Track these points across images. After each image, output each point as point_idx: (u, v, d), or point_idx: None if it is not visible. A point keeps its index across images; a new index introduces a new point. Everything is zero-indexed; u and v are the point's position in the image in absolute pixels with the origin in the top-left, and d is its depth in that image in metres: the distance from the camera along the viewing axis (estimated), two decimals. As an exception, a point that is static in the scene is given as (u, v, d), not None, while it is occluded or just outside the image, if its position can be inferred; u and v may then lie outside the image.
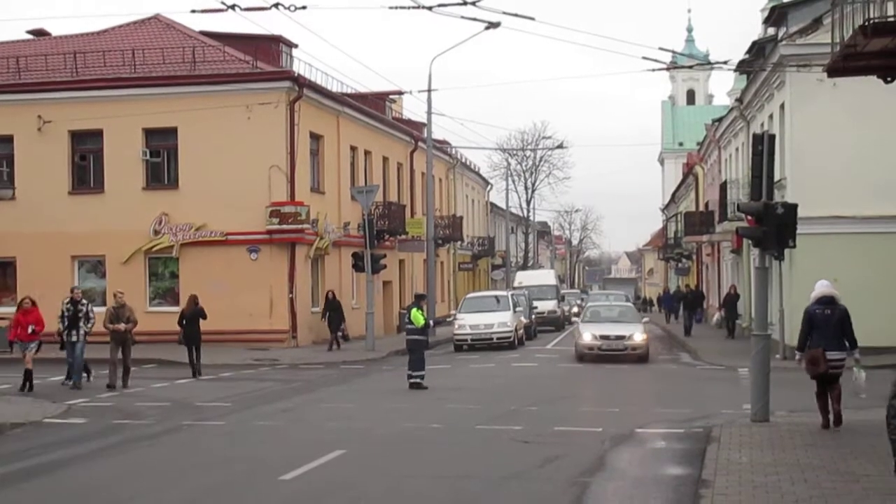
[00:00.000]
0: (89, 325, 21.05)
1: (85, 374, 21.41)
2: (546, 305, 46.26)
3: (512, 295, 36.89)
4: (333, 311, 31.85)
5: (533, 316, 40.46)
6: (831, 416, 13.63)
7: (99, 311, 23.27)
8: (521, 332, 35.08)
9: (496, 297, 36.34)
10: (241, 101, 31.58)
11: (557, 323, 47.25)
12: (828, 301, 13.78)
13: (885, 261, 25.72)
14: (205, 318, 24.24)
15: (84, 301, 21.43)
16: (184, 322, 23.97)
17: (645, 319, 32.21)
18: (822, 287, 14.04)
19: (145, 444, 14.26)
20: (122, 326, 21.27)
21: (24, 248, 32.64)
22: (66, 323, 20.84)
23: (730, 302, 37.05)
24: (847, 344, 13.68)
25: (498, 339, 32.56)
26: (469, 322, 33.03)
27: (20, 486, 11.39)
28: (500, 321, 32.93)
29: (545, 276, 54.50)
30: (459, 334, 33.09)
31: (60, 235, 32.54)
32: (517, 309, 34.93)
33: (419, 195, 45.77)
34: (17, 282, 32.59)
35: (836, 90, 24.56)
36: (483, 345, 32.34)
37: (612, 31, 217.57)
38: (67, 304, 21.10)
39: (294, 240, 32.19)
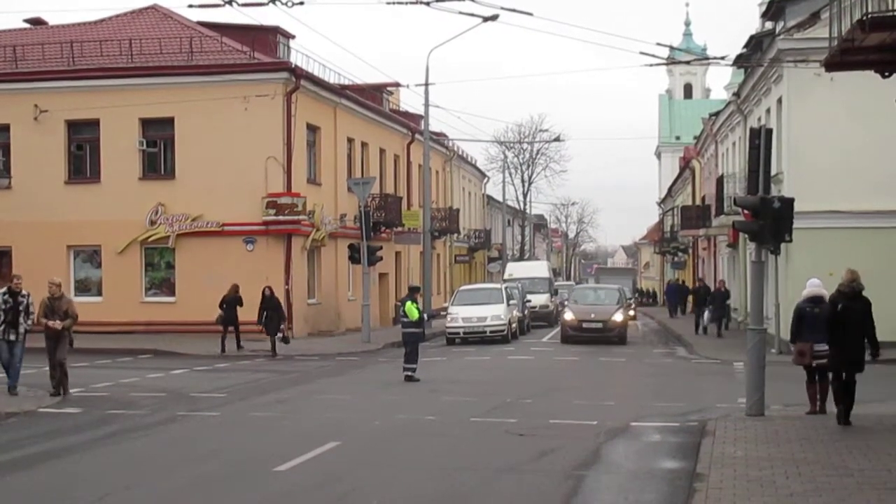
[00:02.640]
0: (30, 322, 17.70)
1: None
2: (538, 299, 43.75)
3: (506, 288, 36.15)
4: (272, 310, 27.36)
5: (526, 310, 39.40)
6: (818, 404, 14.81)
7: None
8: (515, 325, 34.70)
9: (490, 289, 35.92)
10: (239, 91, 31.53)
11: (550, 318, 44.38)
12: (818, 300, 14.68)
13: (881, 255, 25.72)
14: (241, 305, 27.94)
15: (25, 292, 17.80)
16: (224, 306, 27.92)
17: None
18: (813, 287, 14.90)
19: (140, 434, 14.24)
20: (58, 324, 17.64)
21: (20, 238, 32.58)
22: (3, 318, 17.39)
23: (719, 299, 34.46)
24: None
25: (491, 332, 32.09)
26: (462, 315, 32.54)
27: (14, 475, 11.37)
28: (494, 314, 32.44)
29: (537, 268, 51.72)
30: (452, 327, 32.65)
31: (56, 225, 32.50)
32: (511, 302, 34.30)
33: (416, 187, 45.74)
34: (13, 271, 32.53)
35: (833, 85, 24.54)
36: (476, 338, 31.91)
37: (611, 24, 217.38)
38: (5, 295, 17.62)
39: (290, 231, 32.16)
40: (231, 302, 27.91)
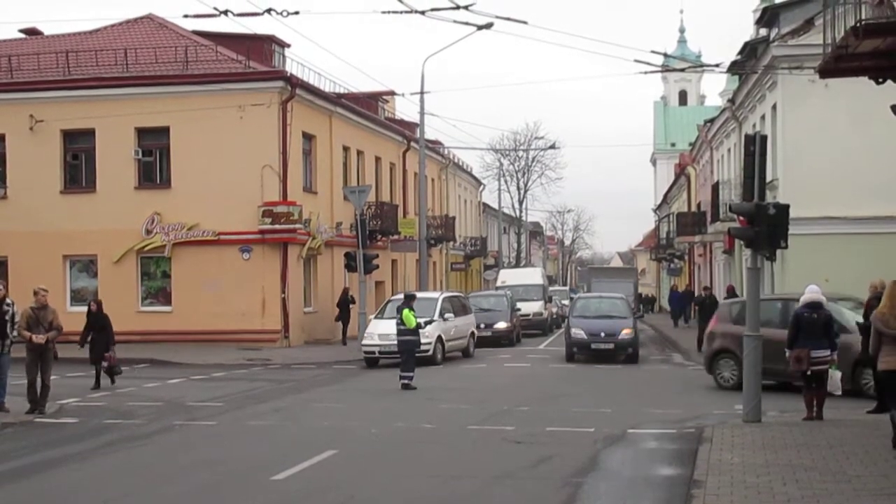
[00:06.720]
0: (15, 333, 16.46)
1: None
2: (531, 307, 42.34)
3: (445, 298, 29.51)
4: (98, 331, 21.34)
5: (516, 319, 37.30)
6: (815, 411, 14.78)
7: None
8: (467, 341, 29.67)
9: (423, 300, 27.69)
10: (234, 100, 31.57)
11: (544, 326, 43.23)
12: (816, 306, 14.80)
13: (876, 261, 25.69)
14: (354, 303, 32.59)
15: (10, 301, 16.42)
16: (340, 307, 32.98)
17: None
18: (811, 293, 14.98)
19: (137, 443, 14.23)
20: (42, 338, 16.55)
21: (16, 248, 32.58)
22: None
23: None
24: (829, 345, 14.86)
25: None
26: (378, 331, 26.70)
27: (11, 485, 11.36)
28: None
29: (531, 275, 49.92)
30: (367, 345, 27.04)
31: (52, 235, 32.49)
32: (446, 315, 28.20)
33: (412, 195, 45.76)
34: (9, 281, 32.44)
35: (827, 91, 24.63)
36: (392, 360, 25.14)
37: (606, 31, 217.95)
38: None
39: (286, 240, 32.16)
40: (343, 303, 32.95)
